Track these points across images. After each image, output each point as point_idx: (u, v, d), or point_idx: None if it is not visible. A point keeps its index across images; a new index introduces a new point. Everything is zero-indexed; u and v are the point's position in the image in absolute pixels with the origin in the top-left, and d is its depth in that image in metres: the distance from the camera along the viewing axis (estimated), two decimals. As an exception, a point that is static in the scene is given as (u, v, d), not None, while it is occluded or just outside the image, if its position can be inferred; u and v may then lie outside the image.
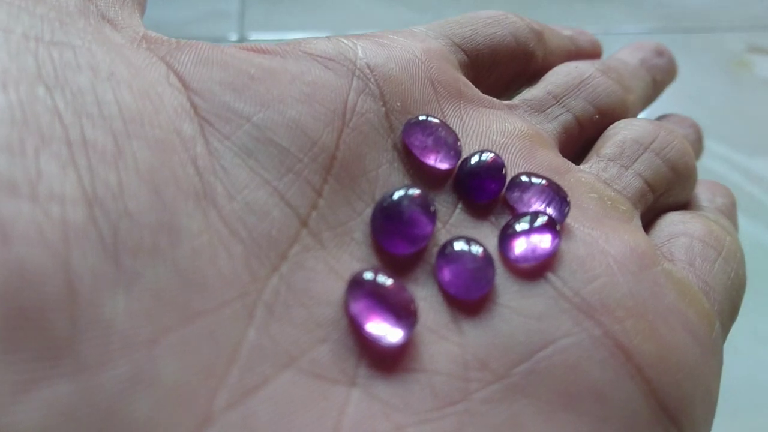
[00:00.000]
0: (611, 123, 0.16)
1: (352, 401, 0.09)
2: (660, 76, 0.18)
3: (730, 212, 0.16)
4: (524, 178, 0.12)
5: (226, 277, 0.09)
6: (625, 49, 0.19)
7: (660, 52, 0.19)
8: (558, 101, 0.15)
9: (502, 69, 0.16)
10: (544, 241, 0.11)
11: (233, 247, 0.09)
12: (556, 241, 0.11)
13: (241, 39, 0.51)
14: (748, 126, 0.46)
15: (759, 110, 0.48)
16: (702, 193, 0.16)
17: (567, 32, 0.18)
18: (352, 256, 0.11)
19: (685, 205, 0.16)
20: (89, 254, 0.08)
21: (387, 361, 0.10)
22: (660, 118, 0.18)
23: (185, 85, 0.10)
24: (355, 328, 0.10)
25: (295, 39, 0.13)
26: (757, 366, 0.30)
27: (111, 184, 0.08)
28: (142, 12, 0.12)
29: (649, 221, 0.15)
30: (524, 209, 0.12)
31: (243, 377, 0.09)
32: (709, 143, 0.45)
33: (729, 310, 0.13)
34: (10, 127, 0.08)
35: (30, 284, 0.07)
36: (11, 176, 0.08)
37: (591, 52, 0.18)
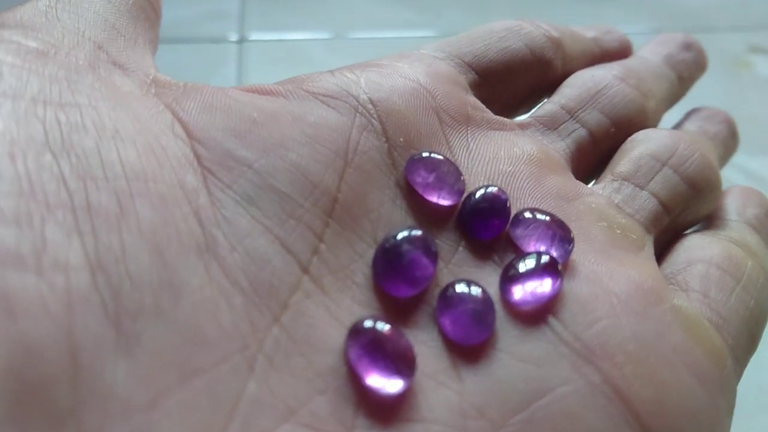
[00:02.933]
0: (629, 134, 0.15)
1: None
2: (687, 73, 0.18)
3: (762, 224, 0.15)
4: (528, 215, 0.12)
5: (227, 330, 0.09)
6: (649, 45, 0.18)
7: (687, 46, 0.18)
8: (572, 116, 0.15)
9: (518, 83, 0.15)
10: (544, 285, 0.11)
11: (234, 298, 0.09)
12: (557, 284, 0.11)
13: (241, 39, 0.51)
14: (748, 126, 0.46)
15: (759, 110, 0.48)
16: (732, 203, 0.15)
17: (591, 33, 0.17)
18: (353, 300, 0.11)
19: (709, 218, 0.15)
20: (91, 322, 0.08)
21: (385, 411, 0.10)
22: (690, 114, 0.17)
23: (189, 135, 0.10)
24: (354, 378, 0.10)
25: (298, 77, 0.13)
26: (758, 367, 0.30)
27: (114, 248, 0.08)
28: (154, 50, 0.12)
29: (667, 242, 0.14)
30: (528, 247, 0.12)
31: None
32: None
33: (746, 343, 0.13)
34: (17, 199, 0.08)
35: (34, 358, 0.07)
36: (18, 249, 0.08)
37: (618, 53, 0.17)
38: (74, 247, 0.08)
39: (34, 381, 0.07)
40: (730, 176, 0.42)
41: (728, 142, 0.17)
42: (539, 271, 0.11)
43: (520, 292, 0.11)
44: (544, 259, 0.11)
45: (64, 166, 0.09)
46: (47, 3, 0.11)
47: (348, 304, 0.10)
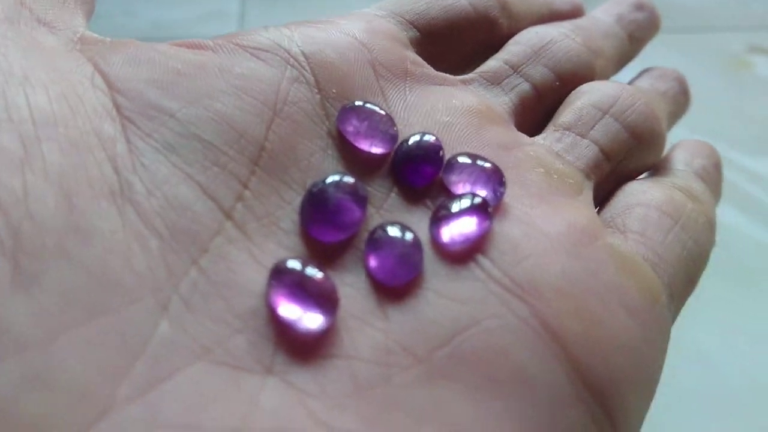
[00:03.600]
0: (574, 88, 0.15)
1: (266, 390, 0.09)
2: (639, 33, 0.17)
3: (710, 174, 0.15)
4: (460, 159, 0.12)
5: (140, 273, 0.09)
6: (602, 6, 0.18)
7: (639, 6, 0.18)
8: (515, 71, 0.15)
9: (462, 41, 0.15)
10: (471, 224, 0.11)
11: (149, 242, 0.09)
12: (485, 223, 0.11)
13: (241, 39, 0.51)
14: (748, 126, 0.46)
15: (759, 110, 0.48)
16: (680, 154, 0.16)
17: None
18: (278, 245, 0.10)
19: (653, 169, 0.15)
20: None
21: (305, 349, 0.10)
22: (642, 73, 0.17)
23: (110, 86, 0.10)
24: (274, 317, 0.10)
25: (231, 33, 0.13)
26: (757, 366, 0.30)
27: (14, 189, 0.08)
28: (88, 12, 0.12)
29: (610, 190, 0.14)
30: (459, 191, 0.12)
31: (149, 370, 0.08)
32: (709, 143, 0.45)
33: (683, 281, 0.13)
34: None
35: None
36: None
37: (569, 14, 0.17)
38: None
39: None
40: (730, 176, 0.42)
41: (679, 98, 0.17)
42: (468, 211, 0.11)
43: (448, 232, 0.11)
44: (475, 200, 0.11)
45: None
46: None
47: (273, 248, 0.10)
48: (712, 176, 0.15)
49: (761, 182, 0.41)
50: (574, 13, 0.17)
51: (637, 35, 0.17)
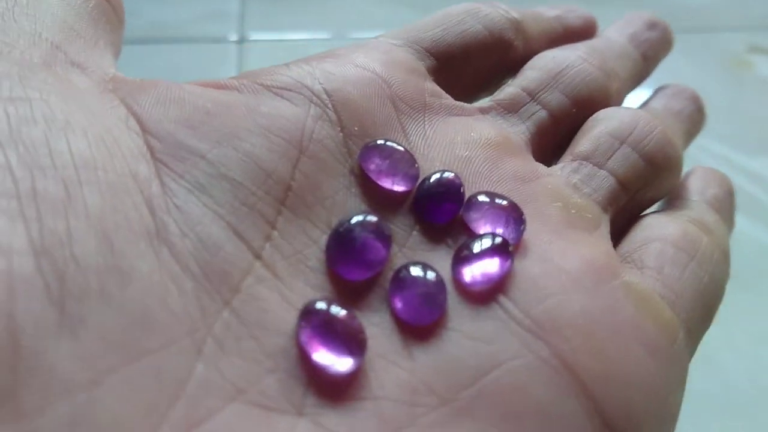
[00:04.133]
0: (591, 114, 0.15)
1: (298, 430, 0.09)
2: (652, 52, 0.18)
3: (722, 204, 0.15)
4: (480, 198, 0.12)
5: (176, 314, 0.09)
6: (614, 25, 0.18)
7: (652, 25, 0.18)
8: (533, 98, 0.15)
9: (479, 65, 0.15)
10: (493, 265, 0.11)
11: (184, 283, 0.09)
12: (507, 264, 0.11)
13: (241, 39, 0.51)
14: (748, 126, 0.46)
15: (759, 110, 0.48)
16: (694, 183, 0.16)
17: (553, 12, 0.17)
18: (306, 284, 0.11)
19: (670, 198, 0.15)
20: (34, 304, 0.08)
21: (335, 390, 0.10)
22: (656, 91, 0.17)
23: (143, 128, 0.11)
24: (305, 358, 0.10)
25: (253, 71, 0.13)
26: (757, 366, 0.30)
27: (59, 233, 0.09)
28: (116, 53, 0.13)
29: (626, 222, 0.14)
30: (480, 229, 0.12)
31: (187, 412, 0.09)
32: (709, 143, 0.45)
33: (700, 316, 0.13)
34: None
35: None
36: None
37: (582, 31, 0.17)
38: (18, 233, 0.08)
39: None
40: (730, 176, 0.42)
41: (694, 117, 0.17)
42: (489, 252, 0.11)
43: (470, 272, 0.11)
44: (496, 240, 0.11)
45: (10, 155, 0.09)
46: (4, 5, 0.11)
47: (301, 287, 0.11)
48: (725, 205, 0.15)
49: (761, 182, 0.41)
50: (588, 28, 0.17)
51: (650, 54, 0.17)
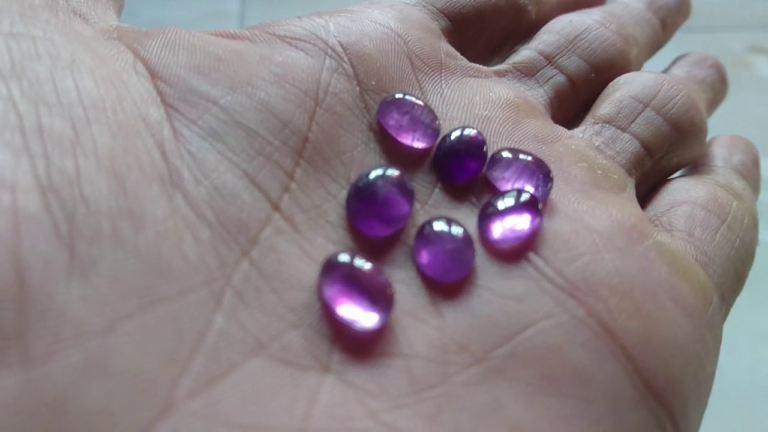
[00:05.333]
0: (610, 79, 0.15)
1: (324, 388, 0.09)
2: (670, 17, 0.17)
3: (749, 169, 0.15)
4: (505, 155, 0.12)
5: (193, 263, 0.09)
6: None
7: None
8: (550, 62, 0.15)
9: (491, 29, 0.15)
10: (523, 222, 0.11)
11: (200, 231, 0.09)
12: (537, 220, 0.11)
13: (241, 39, 0.51)
14: (748, 126, 0.46)
15: (759, 110, 0.48)
16: (718, 149, 0.15)
17: None
18: (326, 239, 0.10)
19: (694, 163, 0.15)
20: (41, 243, 0.08)
21: (362, 347, 0.09)
22: (677, 59, 0.17)
23: (152, 72, 0.10)
24: (329, 313, 0.10)
25: (264, 23, 0.12)
26: (757, 366, 0.30)
27: (67, 171, 0.08)
28: (118, 9, 0.12)
29: (652, 186, 0.14)
30: (505, 187, 0.12)
31: (208, 365, 0.08)
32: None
33: (732, 281, 0.12)
34: None
35: None
36: None
37: (594, 1, 0.17)
38: (23, 168, 0.08)
39: None
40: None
41: (717, 86, 0.16)
42: (518, 208, 0.11)
43: (499, 229, 0.11)
44: (524, 196, 0.11)
45: (14, 89, 0.08)
46: None
47: (321, 242, 0.10)
48: (751, 172, 0.15)
49: (762, 182, 0.41)
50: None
51: (668, 21, 0.17)
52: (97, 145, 0.09)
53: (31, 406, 0.07)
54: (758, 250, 0.41)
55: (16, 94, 0.08)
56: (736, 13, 0.57)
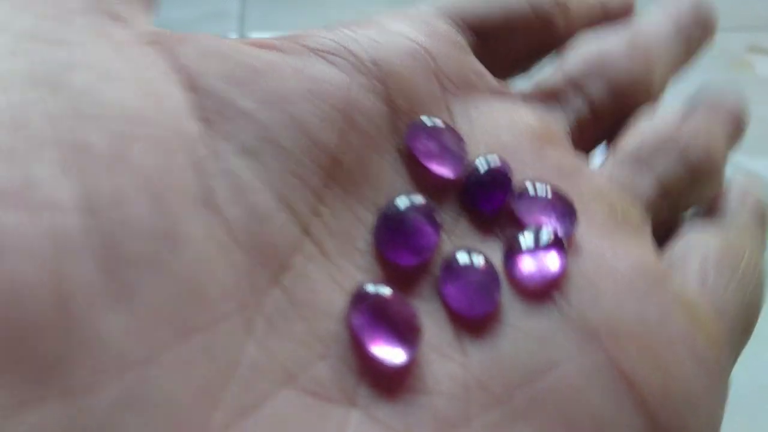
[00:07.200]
0: (632, 109, 0.15)
1: (352, 423, 0.09)
2: (696, 38, 0.17)
3: (761, 214, 0.15)
4: (530, 188, 0.12)
5: (226, 288, 0.09)
6: (659, 7, 0.17)
7: (697, 7, 0.17)
8: (574, 87, 0.15)
9: (520, 42, 0.15)
10: (551, 262, 0.11)
11: (234, 255, 0.09)
12: (564, 261, 0.11)
13: (241, 39, 0.51)
14: (748, 126, 0.46)
15: (759, 110, 0.48)
16: (732, 194, 0.15)
17: None
18: (355, 267, 0.10)
19: (711, 204, 0.15)
20: (83, 266, 0.07)
21: (388, 381, 0.09)
22: (699, 95, 0.16)
23: (187, 82, 0.10)
24: (357, 345, 0.10)
25: (293, 34, 0.12)
26: (758, 367, 0.30)
27: (107, 191, 0.08)
28: (151, 12, 0.12)
29: (667, 228, 0.14)
30: (530, 221, 0.12)
31: (240, 396, 0.08)
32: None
33: (741, 331, 0.13)
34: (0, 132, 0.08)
35: (19, 299, 0.07)
36: (0, 184, 0.07)
37: (620, 12, 0.17)
38: (63, 186, 0.08)
39: (19, 326, 0.07)
40: (729, 176, 0.42)
41: (737, 121, 0.16)
42: (546, 247, 0.11)
43: (526, 267, 0.11)
44: (550, 235, 0.11)
45: (51, 102, 0.08)
46: None
47: (350, 270, 0.10)
48: (762, 218, 0.15)
49: (761, 182, 0.41)
50: (625, 10, 0.17)
51: (694, 41, 0.17)
52: (138, 163, 0.08)
53: None
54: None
55: (54, 108, 0.08)
56: (736, 13, 0.57)
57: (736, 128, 0.16)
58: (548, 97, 0.14)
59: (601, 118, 0.15)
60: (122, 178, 0.08)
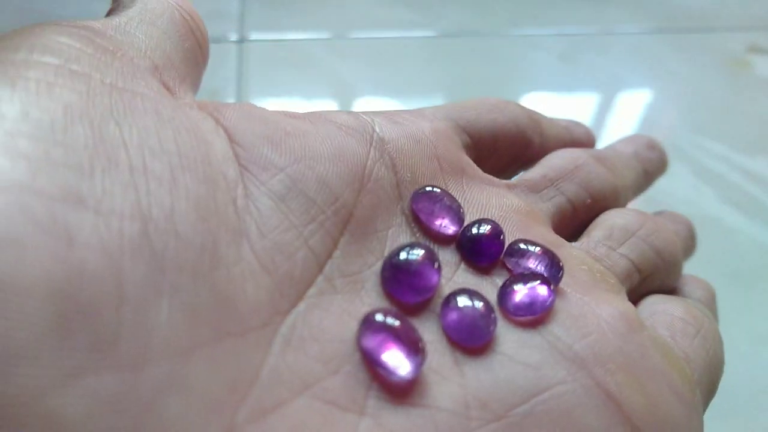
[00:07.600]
0: (603, 208, 0.17)
1: (361, 429, 0.10)
2: (651, 169, 0.20)
3: (709, 305, 0.17)
4: (522, 245, 0.13)
5: (253, 306, 0.10)
6: (618, 141, 0.20)
7: (651, 146, 0.20)
8: (553, 184, 0.17)
9: (502, 152, 0.17)
10: (540, 295, 0.12)
11: (262, 279, 0.10)
12: (552, 296, 0.12)
13: (241, 39, 0.51)
14: (748, 126, 0.46)
15: (759, 110, 0.48)
16: (684, 285, 0.18)
17: (563, 123, 0.20)
18: (363, 302, 0.12)
19: (670, 293, 0.17)
20: (140, 264, 0.09)
21: (395, 394, 0.11)
22: (656, 214, 0.19)
23: (230, 137, 0.12)
24: (368, 362, 0.11)
25: (316, 111, 0.14)
26: (757, 366, 0.30)
27: (164, 207, 0.09)
28: (195, 92, 0.14)
29: (633, 302, 0.15)
30: (521, 270, 0.13)
31: (263, 397, 0.09)
32: (709, 143, 0.45)
33: (707, 385, 0.14)
34: (82, 152, 0.09)
35: (87, 283, 0.08)
36: (80, 191, 0.09)
37: (585, 142, 0.20)
38: (129, 199, 0.09)
39: (85, 303, 0.08)
40: (730, 175, 0.42)
41: (688, 241, 0.19)
42: (535, 286, 0.12)
43: (520, 296, 0.12)
44: (539, 277, 0.13)
45: (125, 134, 0.10)
46: (119, 20, 0.13)
47: (358, 304, 0.12)
48: (712, 307, 0.17)
49: (761, 182, 0.41)
50: (588, 141, 0.20)
51: (650, 171, 0.20)
52: (189, 190, 0.10)
53: (124, 406, 0.08)
54: (758, 251, 0.41)
55: (127, 138, 0.10)
56: (736, 13, 0.57)
57: (690, 242, 0.19)
58: (530, 188, 0.16)
59: (578, 211, 0.17)
60: (177, 198, 0.10)
